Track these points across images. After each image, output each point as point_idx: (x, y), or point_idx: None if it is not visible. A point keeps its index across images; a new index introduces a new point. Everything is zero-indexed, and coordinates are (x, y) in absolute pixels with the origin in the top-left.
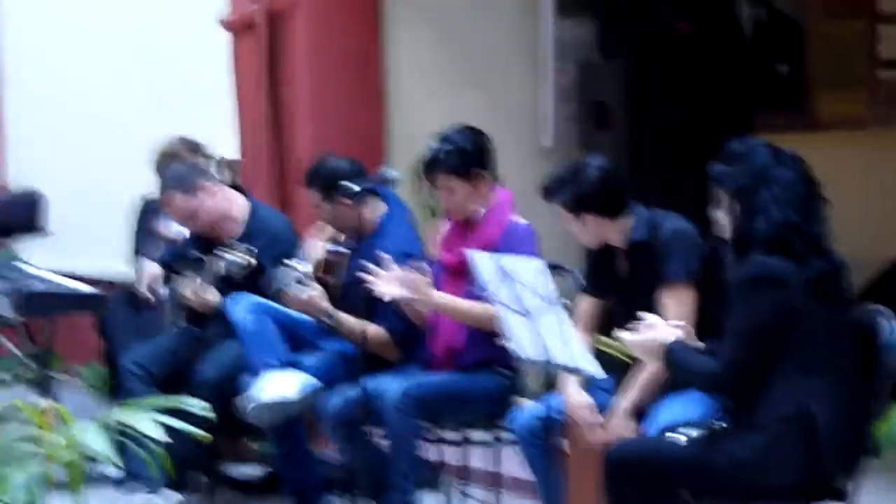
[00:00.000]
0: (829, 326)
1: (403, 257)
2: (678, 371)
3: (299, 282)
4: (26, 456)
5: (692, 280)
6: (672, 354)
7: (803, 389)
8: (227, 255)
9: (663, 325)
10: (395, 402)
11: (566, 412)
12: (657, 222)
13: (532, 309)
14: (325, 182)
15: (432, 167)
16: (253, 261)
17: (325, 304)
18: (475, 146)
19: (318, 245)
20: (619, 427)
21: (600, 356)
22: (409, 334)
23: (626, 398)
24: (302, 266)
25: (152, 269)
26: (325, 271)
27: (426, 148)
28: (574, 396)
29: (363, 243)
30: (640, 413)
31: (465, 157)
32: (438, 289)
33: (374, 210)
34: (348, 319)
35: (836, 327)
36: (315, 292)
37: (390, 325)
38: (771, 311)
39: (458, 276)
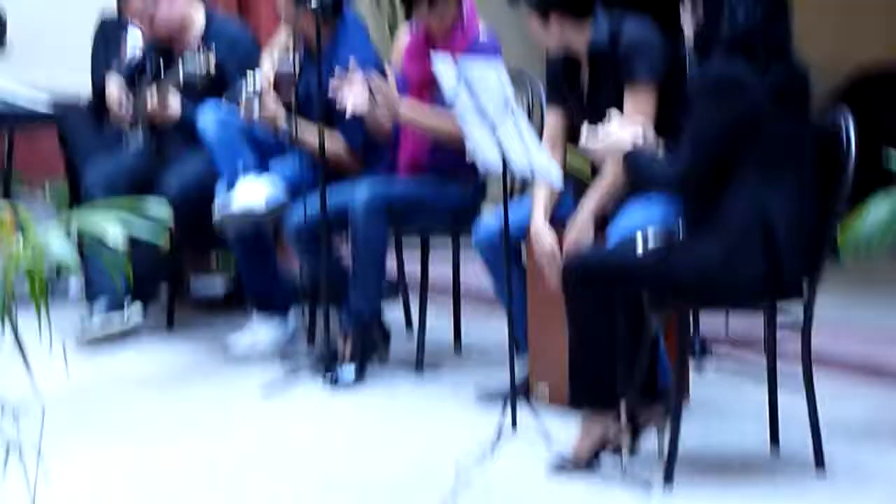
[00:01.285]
0: (791, 132)
1: (364, 67)
2: (636, 175)
3: (252, 95)
4: None
5: (655, 81)
6: (630, 158)
7: (763, 195)
8: (187, 62)
9: (622, 126)
10: (364, 203)
11: (531, 235)
12: (618, 28)
13: (493, 115)
14: None
15: None
16: (213, 65)
17: (282, 115)
18: None
19: (266, 57)
20: (579, 233)
21: (565, 174)
22: (369, 146)
23: (585, 206)
24: (253, 79)
25: (117, 83)
26: (277, 85)
27: None
28: (540, 234)
29: (322, 56)
30: (603, 222)
31: None
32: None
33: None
34: (305, 129)
35: (798, 133)
36: (270, 105)
37: (349, 136)
38: (730, 117)
39: (423, 89)
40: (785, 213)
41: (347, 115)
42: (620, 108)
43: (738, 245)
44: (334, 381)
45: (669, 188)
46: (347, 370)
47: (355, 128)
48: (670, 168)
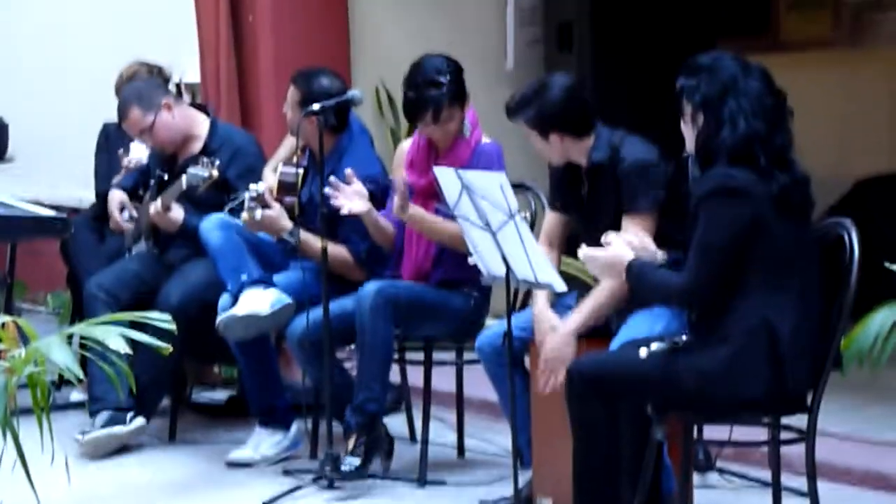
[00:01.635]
0: (793, 240)
1: (365, 177)
2: (641, 286)
3: (254, 202)
4: None
5: (656, 209)
6: (635, 269)
7: (767, 302)
8: (189, 169)
9: (623, 242)
10: (371, 298)
11: (534, 328)
12: (617, 144)
13: (494, 223)
14: (309, 91)
15: (439, 102)
16: (215, 172)
17: (285, 221)
18: (460, 71)
19: (270, 170)
20: (560, 350)
21: (567, 278)
22: (372, 254)
23: (573, 319)
24: (256, 186)
25: (118, 196)
26: (280, 192)
27: (413, 83)
28: (540, 314)
29: (326, 163)
30: (609, 331)
31: (461, 83)
32: None
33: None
34: (309, 237)
35: (800, 241)
36: (273, 211)
37: (352, 244)
38: (736, 223)
39: (427, 198)
40: (789, 322)
41: (343, 214)
42: (619, 220)
43: (741, 353)
44: (338, 472)
45: (677, 299)
46: (351, 460)
47: (359, 236)
48: (677, 278)
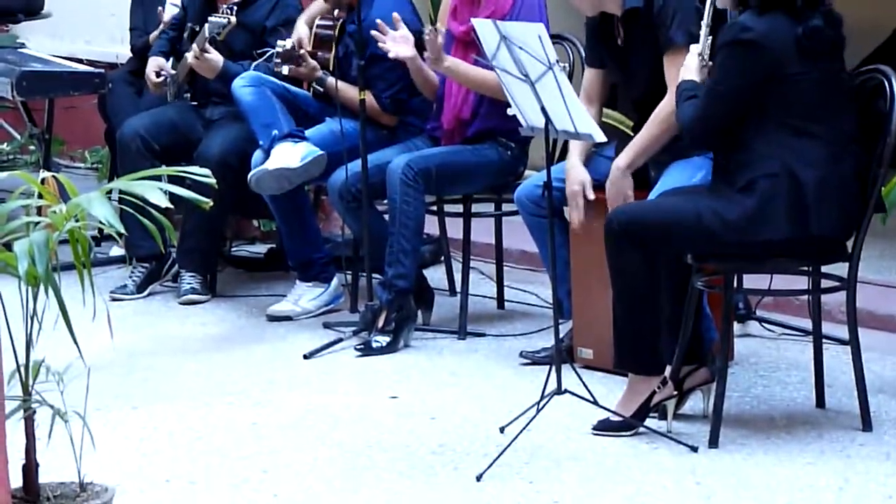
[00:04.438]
0: (820, 87)
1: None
2: (676, 105)
3: (280, 58)
4: (29, 226)
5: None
6: (681, 86)
7: (790, 148)
8: (210, 18)
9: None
10: (399, 172)
11: (566, 180)
12: None
13: (532, 73)
14: None
15: None
16: (233, 19)
17: (319, 72)
18: None
19: (303, 22)
20: (617, 184)
21: (606, 129)
22: (397, 101)
23: (623, 157)
24: (283, 42)
25: (154, 61)
26: (316, 46)
27: None
28: (573, 169)
29: (361, 14)
30: (645, 181)
31: None
32: None
33: None
34: (344, 86)
35: (829, 88)
36: (302, 68)
37: (377, 90)
38: (746, 76)
39: (467, 47)
40: (814, 169)
41: (391, 56)
42: (656, 68)
43: (763, 198)
44: (365, 350)
45: (683, 129)
46: (380, 339)
47: (384, 83)
48: (690, 110)
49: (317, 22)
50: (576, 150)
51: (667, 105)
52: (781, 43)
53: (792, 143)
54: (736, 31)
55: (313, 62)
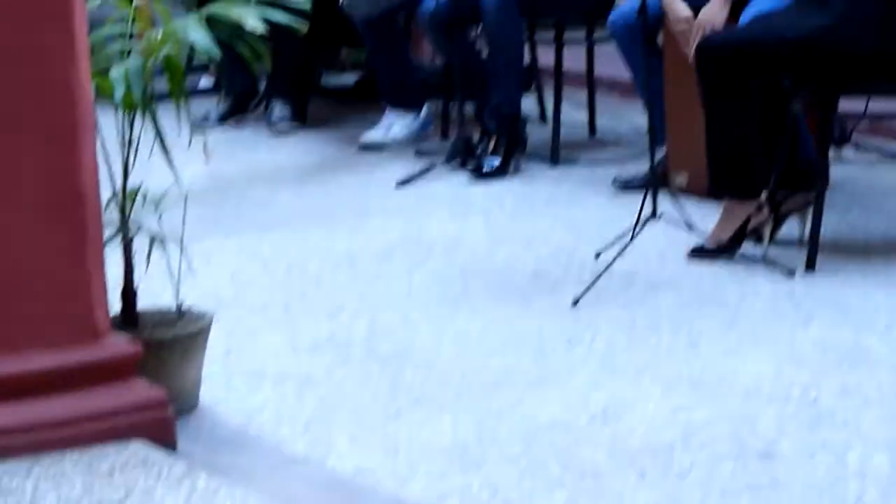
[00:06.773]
0: None
1: None
2: None
3: None
4: (123, 51)
5: None
6: None
7: None
8: None
9: None
10: None
11: (664, 9)
12: None
13: None
14: None
15: None
16: None
17: None
18: None
19: None
20: (713, 12)
21: None
22: None
23: None
24: None
25: None
26: None
27: None
28: (673, 4)
29: None
30: (736, 7)
31: None
32: None
33: None
34: None
35: None
36: None
37: None
38: None
39: None
40: None
41: None
42: None
43: (847, 14)
44: (478, 171)
45: None
46: (492, 160)
47: None
48: None
49: None
50: None
51: None
52: None
53: None
54: None
55: None
